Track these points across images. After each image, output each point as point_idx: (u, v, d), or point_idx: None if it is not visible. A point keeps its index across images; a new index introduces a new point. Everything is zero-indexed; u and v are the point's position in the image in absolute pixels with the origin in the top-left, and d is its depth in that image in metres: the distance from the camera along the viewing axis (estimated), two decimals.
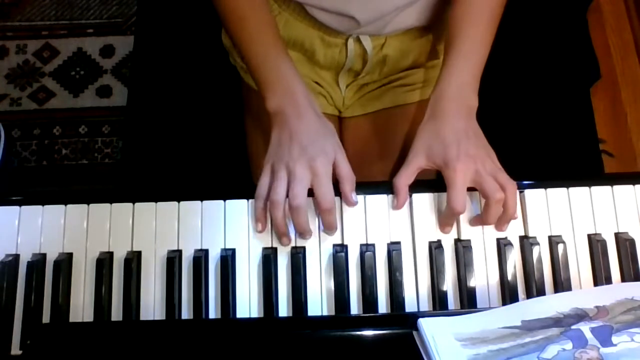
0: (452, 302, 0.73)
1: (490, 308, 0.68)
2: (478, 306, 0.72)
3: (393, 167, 0.96)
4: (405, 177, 0.75)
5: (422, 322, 0.61)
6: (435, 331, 0.60)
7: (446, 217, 0.74)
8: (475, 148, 0.73)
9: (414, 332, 0.61)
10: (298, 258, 0.73)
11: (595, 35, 1.46)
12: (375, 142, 0.98)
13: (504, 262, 0.73)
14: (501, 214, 0.73)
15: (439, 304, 0.72)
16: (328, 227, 0.74)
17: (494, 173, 0.73)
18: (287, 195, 0.72)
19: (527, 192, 0.76)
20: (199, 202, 0.75)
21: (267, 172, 0.74)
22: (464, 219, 0.75)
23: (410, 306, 0.72)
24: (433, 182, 0.76)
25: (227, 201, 0.75)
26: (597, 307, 0.63)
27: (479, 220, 0.75)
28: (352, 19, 0.84)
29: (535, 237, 0.75)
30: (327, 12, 0.85)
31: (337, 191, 0.74)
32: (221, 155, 1.12)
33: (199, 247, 0.74)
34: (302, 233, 0.73)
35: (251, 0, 0.81)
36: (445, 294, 0.72)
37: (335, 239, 0.74)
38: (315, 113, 0.77)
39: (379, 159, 0.97)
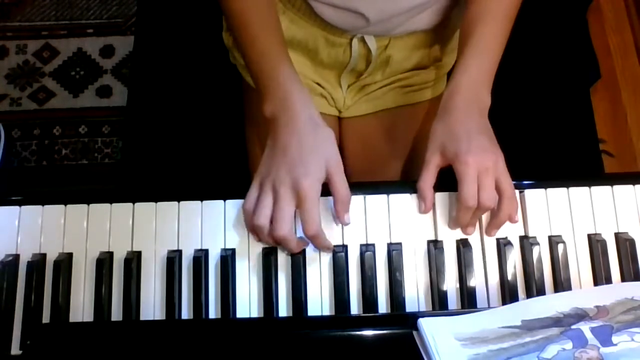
0: (452, 302, 0.73)
1: (490, 308, 0.68)
2: (478, 306, 0.72)
3: (393, 167, 0.96)
4: (428, 179, 0.74)
5: (422, 322, 0.61)
6: (435, 331, 0.60)
7: (461, 215, 0.73)
8: (486, 144, 0.73)
9: (414, 332, 0.61)
10: (298, 258, 0.73)
11: (595, 35, 1.47)
12: (375, 142, 0.98)
13: (504, 262, 0.73)
14: (493, 217, 0.73)
15: (439, 304, 0.72)
16: (321, 249, 0.73)
17: (499, 176, 0.72)
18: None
19: (527, 192, 0.76)
20: (199, 202, 0.75)
21: (256, 186, 0.72)
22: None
23: (410, 306, 0.72)
24: (434, 184, 0.76)
25: (227, 201, 0.75)
26: (597, 306, 0.63)
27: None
28: (361, 16, 0.84)
29: (535, 237, 0.75)
30: (336, 8, 0.84)
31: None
32: (221, 155, 1.12)
33: (199, 247, 0.74)
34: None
35: (255, 2, 0.80)
36: (445, 294, 0.72)
37: (336, 239, 0.74)
38: (311, 121, 0.74)
39: (380, 159, 0.97)
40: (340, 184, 0.71)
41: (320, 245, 0.72)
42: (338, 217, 0.73)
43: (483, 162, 0.71)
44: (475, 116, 0.75)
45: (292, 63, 0.79)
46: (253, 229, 0.72)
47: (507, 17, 0.81)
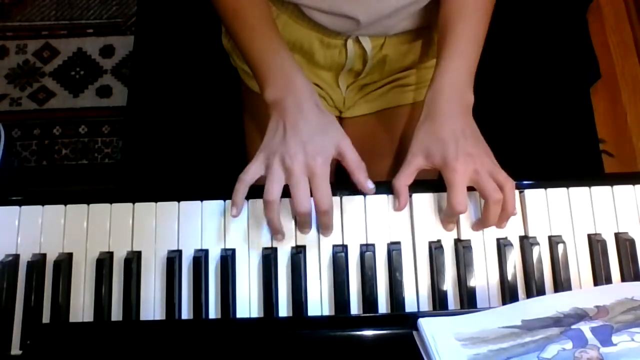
0: (452, 302, 0.73)
1: (490, 308, 0.68)
2: (478, 306, 0.72)
3: (394, 167, 0.96)
4: (404, 178, 0.75)
5: (422, 322, 0.61)
6: (435, 331, 0.60)
7: (447, 217, 0.75)
8: (473, 146, 0.73)
9: (414, 332, 0.61)
10: (298, 258, 0.73)
11: (595, 35, 1.47)
12: (377, 142, 0.98)
13: (504, 262, 0.73)
14: (500, 212, 0.73)
15: (439, 304, 0.72)
16: (324, 228, 0.74)
17: (493, 172, 0.73)
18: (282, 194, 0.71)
19: (527, 192, 0.76)
20: (199, 202, 0.75)
21: (260, 161, 0.72)
22: (464, 220, 0.75)
23: (410, 306, 0.72)
24: (433, 182, 0.76)
25: (227, 201, 0.75)
26: (597, 306, 0.63)
27: (479, 224, 0.75)
28: (352, 19, 0.84)
29: (535, 237, 0.75)
30: (325, 13, 0.85)
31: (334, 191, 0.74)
32: (221, 155, 1.12)
33: (199, 247, 0.74)
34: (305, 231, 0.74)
35: None
36: (445, 294, 0.72)
37: (335, 239, 0.74)
38: (315, 104, 0.76)
39: (381, 158, 0.97)
40: (353, 153, 0.74)
41: (327, 224, 0.73)
42: (361, 185, 0.74)
43: (472, 166, 0.72)
44: (459, 117, 0.75)
45: (291, 53, 0.79)
46: (238, 202, 0.72)
47: (485, 13, 0.81)
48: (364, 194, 0.75)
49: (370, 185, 0.74)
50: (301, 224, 0.73)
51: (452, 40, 0.79)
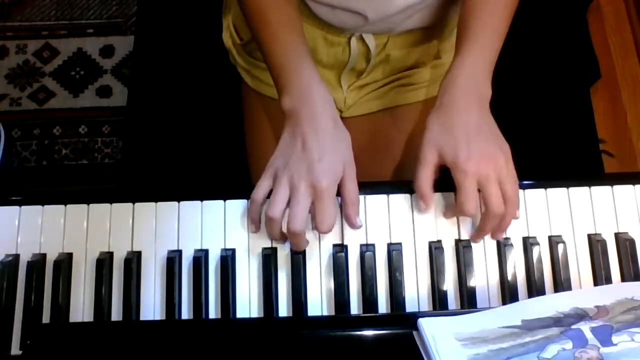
0: (452, 302, 0.73)
1: (490, 308, 0.68)
2: (478, 306, 0.72)
3: (394, 167, 0.96)
4: (426, 177, 0.72)
5: (422, 322, 0.61)
6: (435, 331, 0.60)
7: (454, 215, 0.74)
8: (487, 146, 0.71)
9: (414, 332, 0.61)
10: (298, 258, 0.73)
11: (595, 35, 1.47)
12: (378, 141, 0.98)
13: (504, 262, 0.73)
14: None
15: (439, 304, 0.72)
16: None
17: (503, 181, 0.71)
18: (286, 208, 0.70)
19: (527, 192, 0.76)
20: (199, 202, 0.75)
21: (269, 176, 0.72)
22: (464, 220, 0.75)
23: (410, 306, 0.72)
24: (433, 182, 0.76)
25: (227, 201, 0.75)
26: (597, 306, 0.63)
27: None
28: (359, 15, 0.84)
29: (535, 237, 0.75)
30: (334, 8, 0.84)
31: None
32: (221, 155, 1.12)
33: (199, 247, 0.74)
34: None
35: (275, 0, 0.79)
36: (445, 294, 0.72)
37: (335, 239, 0.74)
38: (332, 120, 0.73)
39: (381, 158, 0.97)
40: (353, 186, 0.71)
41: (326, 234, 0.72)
42: (348, 220, 0.72)
43: (484, 170, 0.70)
44: (474, 110, 0.73)
45: (313, 62, 0.78)
46: (254, 220, 0.72)
47: (508, 7, 0.79)
48: (364, 194, 0.75)
49: (358, 223, 0.72)
50: (292, 243, 0.72)
51: (472, 33, 0.77)
